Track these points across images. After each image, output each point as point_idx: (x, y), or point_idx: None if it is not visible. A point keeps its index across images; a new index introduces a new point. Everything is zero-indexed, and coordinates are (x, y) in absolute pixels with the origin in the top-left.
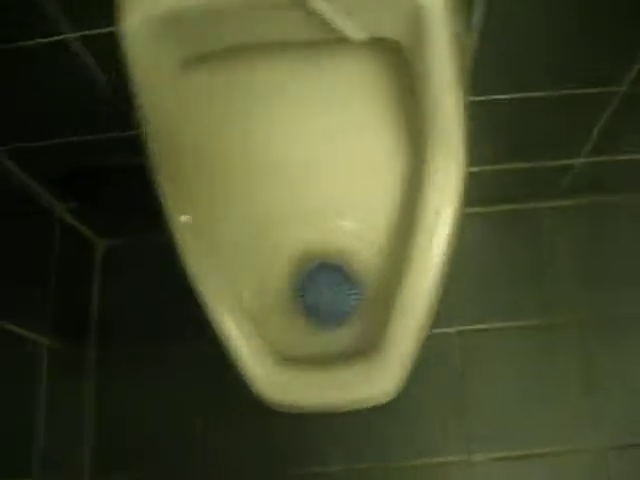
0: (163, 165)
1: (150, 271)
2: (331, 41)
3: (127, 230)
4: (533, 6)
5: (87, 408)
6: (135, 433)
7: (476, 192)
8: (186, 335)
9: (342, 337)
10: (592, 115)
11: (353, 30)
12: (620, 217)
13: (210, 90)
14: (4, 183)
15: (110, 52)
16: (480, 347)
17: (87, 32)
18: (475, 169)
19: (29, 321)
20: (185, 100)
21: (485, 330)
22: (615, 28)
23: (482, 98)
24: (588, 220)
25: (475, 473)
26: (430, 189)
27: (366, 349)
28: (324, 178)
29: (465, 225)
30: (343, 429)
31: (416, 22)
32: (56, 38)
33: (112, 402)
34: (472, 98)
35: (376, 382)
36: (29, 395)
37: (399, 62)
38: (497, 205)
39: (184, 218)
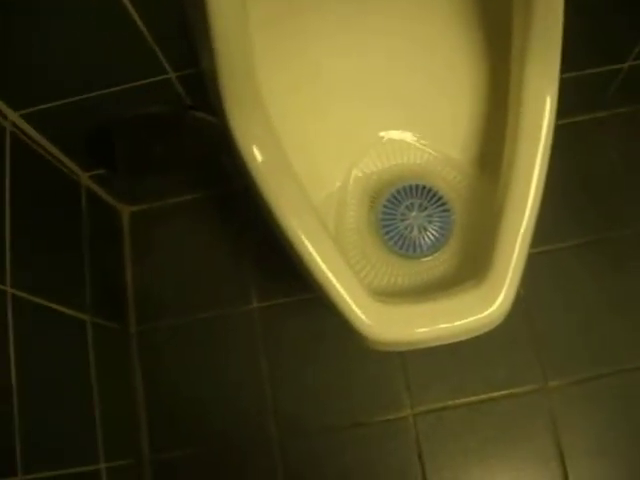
0: (230, 87)
1: (177, 234)
2: None
3: (149, 195)
4: None
5: (137, 383)
6: (187, 401)
7: None
8: (223, 296)
9: (434, 264)
10: None
11: None
12: None
13: (278, 13)
14: (28, 154)
15: None
16: (542, 271)
17: None
18: None
19: (70, 298)
20: (254, 24)
21: (545, 252)
22: None
23: None
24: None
25: (553, 399)
26: (534, 76)
27: (465, 274)
28: (403, 94)
29: None
30: (415, 369)
31: None
32: None
33: (160, 374)
34: None
35: (488, 307)
36: (81, 372)
37: None
38: None
39: (257, 153)
